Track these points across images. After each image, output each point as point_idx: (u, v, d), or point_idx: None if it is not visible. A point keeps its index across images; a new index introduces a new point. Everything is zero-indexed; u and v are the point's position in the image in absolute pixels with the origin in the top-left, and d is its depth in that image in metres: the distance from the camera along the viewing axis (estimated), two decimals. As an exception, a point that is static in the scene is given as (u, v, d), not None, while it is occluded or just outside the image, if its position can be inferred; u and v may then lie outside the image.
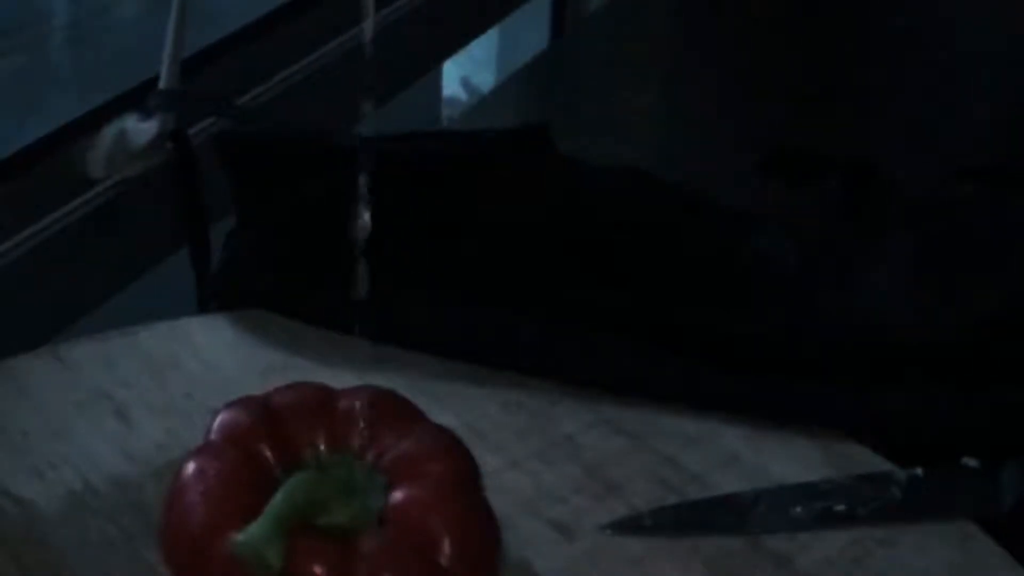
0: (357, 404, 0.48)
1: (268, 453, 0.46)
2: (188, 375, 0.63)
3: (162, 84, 0.76)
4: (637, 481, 0.59)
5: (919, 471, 0.61)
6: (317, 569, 0.43)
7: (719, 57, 1.05)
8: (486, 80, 1.27)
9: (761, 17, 1.09)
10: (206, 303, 0.71)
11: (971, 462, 0.61)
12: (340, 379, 0.52)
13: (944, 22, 1.09)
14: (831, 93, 0.99)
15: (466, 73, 1.30)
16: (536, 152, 0.70)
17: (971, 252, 0.73)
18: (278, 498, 0.43)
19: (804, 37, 1.06)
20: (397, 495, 0.46)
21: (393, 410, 0.49)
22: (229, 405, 0.48)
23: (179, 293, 0.77)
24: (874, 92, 1.00)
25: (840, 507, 0.59)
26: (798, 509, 0.58)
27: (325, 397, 0.48)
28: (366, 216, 0.69)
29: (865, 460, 0.62)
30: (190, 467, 0.46)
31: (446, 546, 0.44)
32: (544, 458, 0.60)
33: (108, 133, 0.77)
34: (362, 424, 0.46)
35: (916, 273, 0.72)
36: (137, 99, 0.78)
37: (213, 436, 0.47)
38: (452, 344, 0.65)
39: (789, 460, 0.61)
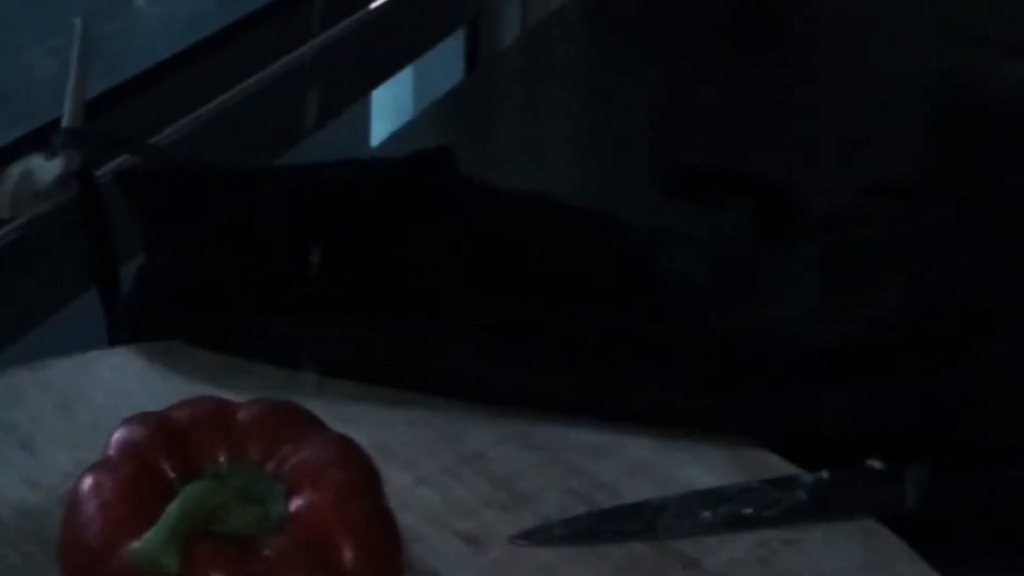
0: (256, 415, 0.48)
1: (166, 466, 0.46)
2: (96, 407, 0.63)
3: (65, 122, 0.76)
4: (547, 492, 0.60)
5: (825, 474, 0.61)
6: (216, 575, 0.43)
7: (630, 85, 1.06)
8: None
9: (672, 45, 1.11)
10: (116, 339, 0.71)
11: (876, 463, 0.62)
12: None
13: (854, 43, 1.12)
14: (742, 115, 1.01)
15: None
16: (439, 174, 0.71)
17: (872, 264, 0.74)
18: (174, 505, 0.44)
19: (716, 62, 1.08)
20: (297, 501, 0.46)
21: (292, 420, 0.49)
22: (126, 421, 0.48)
23: (91, 333, 0.77)
24: (784, 111, 1.02)
25: (747, 510, 0.59)
26: (706, 513, 0.59)
27: (224, 410, 0.49)
28: (276, 244, 0.69)
29: (772, 465, 0.62)
30: (86, 482, 0.46)
31: (347, 550, 0.45)
32: (453, 473, 0.61)
33: (13, 173, 0.77)
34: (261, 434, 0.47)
35: (819, 285, 0.73)
36: (42, 139, 0.78)
37: (110, 452, 0.47)
38: (361, 367, 0.66)
39: (697, 467, 0.62)
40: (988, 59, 1.07)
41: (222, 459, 0.47)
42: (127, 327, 0.69)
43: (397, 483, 0.58)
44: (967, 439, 0.65)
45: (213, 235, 0.69)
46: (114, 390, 0.64)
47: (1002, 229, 0.76)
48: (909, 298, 0.72)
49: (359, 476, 0.47)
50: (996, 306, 0.70)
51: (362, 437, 0.57)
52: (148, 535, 0.43)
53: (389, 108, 1.18)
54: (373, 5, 1.08)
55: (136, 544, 0.43)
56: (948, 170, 0.93)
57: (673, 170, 0.88)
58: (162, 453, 0.46)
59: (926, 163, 0.95)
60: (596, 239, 0.76)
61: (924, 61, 1.09)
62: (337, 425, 0.52)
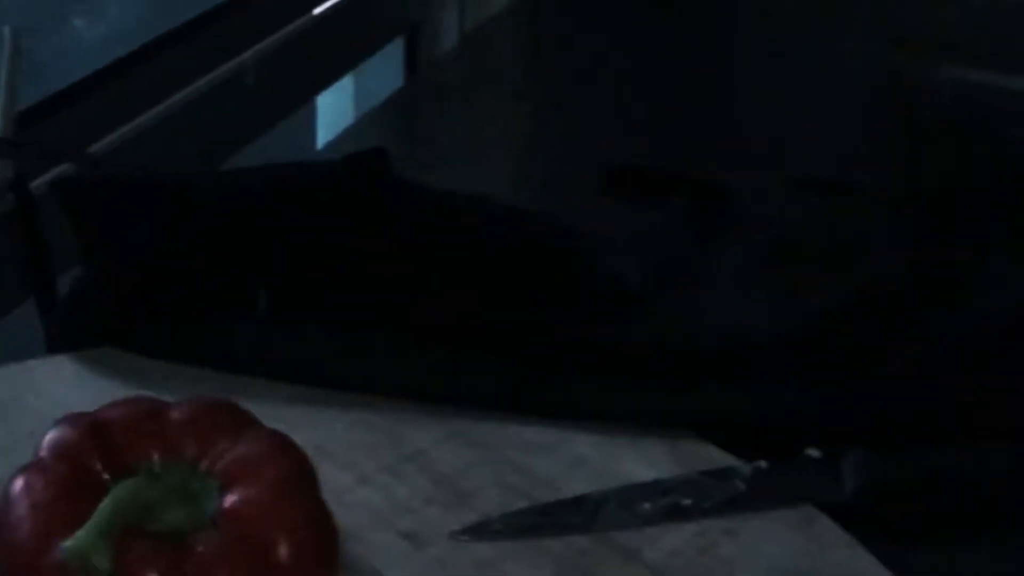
0: (189, 413, 0.48)
1: (98, 465, 0.46)
2: (32, 414, 0.62)
3: (-3, 133, 0.76)
4: (487, 489, 0.60)
5: (763, 464, 0.62)
6: (148, 573, 0.43)
7: (568, 89, 1.07)
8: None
9: (609, 49, 1.11)
10: (54, 348, 0.71)
11: (814, 453, 0.63)
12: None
13: (789, 42, 1.13)
14: (680, 115, 1.01)
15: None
16: (374, 176, 0.71)
17: (804, 259, 0.75)
18: (105, 503, 0.43)
19: (654, 64, 1.09)
20: (231, 497, 0.46)
21: (226, 417, 0.49)
22: (58, 422, 0.48)
23: (29, 342, 0.77)
24: (721, 111, 1.03)
25: (687, 501, 0.60)
26: (646, 505, 0.59)
27: (157, 409, 0.48)
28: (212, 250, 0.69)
29: (711, 456, 0.63)
30: (18, 483, 0.45)
31: (282, 546, 0.44)
32: (394, 473, 0.61)
33: (-54, 185, 0.76)
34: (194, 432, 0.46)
35: (754, 280, 0.74)
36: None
37: (42, 453, 0.47)
38: (299, 368, 0.66)
39: (637, 460, 0.62)
40: (923, 60, 1.08)
41: (156, 458, 0.47)
42: (65, 335, 0.68)
43: (337, 483, 0.58)
44: (902, 428, 0.65)
45: (150, 242, 0.69)
46: (51, 398, 0.64)
47: (933, 225, 0.77)
48: (842, 292, 0.72)
49: (294, 472, 0.47)
50: (927, 299, 0.71)
51: (301, 438, 0.57)
52: (79, 533, 0.42)
53: (329, 115, 1.18)
54: (314, 12, 1.08)
55: (67, 542, 0.42)
56: (881, 167, 0.94)
57: (611, 171, 0.89)
58: (94, 453, 0.46)
59: (859, 160, 0.96)
60: (535, 240, 0.76)
61: (859, 60, 1.10)
62: (276, 427, 0.52)
